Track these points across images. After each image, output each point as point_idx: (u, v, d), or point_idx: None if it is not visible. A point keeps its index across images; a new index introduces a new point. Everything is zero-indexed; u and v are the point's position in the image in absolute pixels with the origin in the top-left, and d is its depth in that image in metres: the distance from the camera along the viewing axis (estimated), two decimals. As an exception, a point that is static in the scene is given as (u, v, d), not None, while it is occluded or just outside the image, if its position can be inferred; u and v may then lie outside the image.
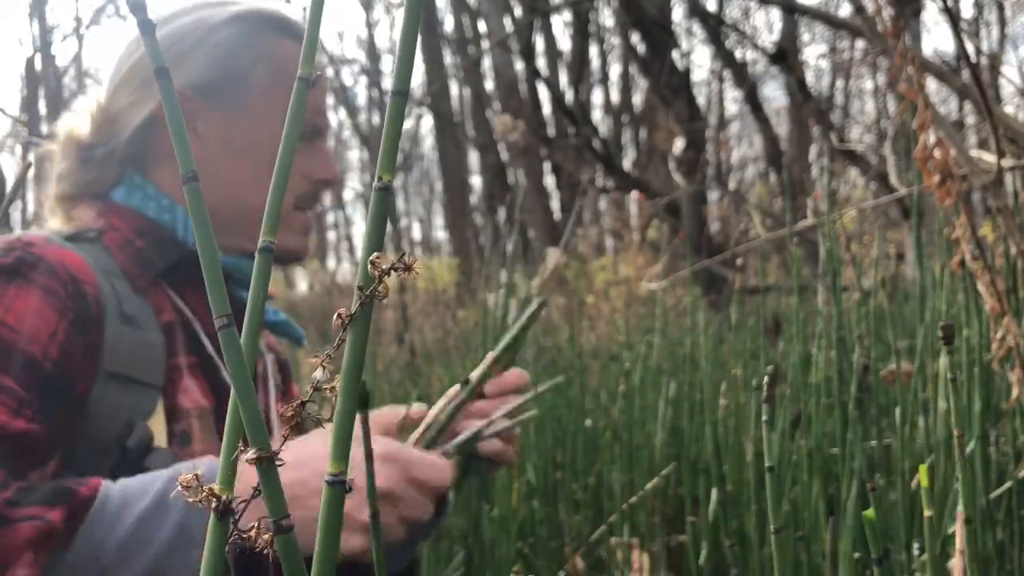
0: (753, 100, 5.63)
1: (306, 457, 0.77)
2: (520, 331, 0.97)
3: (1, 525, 0.69)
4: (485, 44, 10.33)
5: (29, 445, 0.78)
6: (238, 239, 0.98)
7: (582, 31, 10.58)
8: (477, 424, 0.91)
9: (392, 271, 0.29)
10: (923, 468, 0.59)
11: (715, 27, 5.55)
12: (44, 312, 0.82)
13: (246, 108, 0.97)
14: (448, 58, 11.79)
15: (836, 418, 1.13)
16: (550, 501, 1.72)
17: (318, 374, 0.29)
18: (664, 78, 5.24)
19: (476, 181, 13.20)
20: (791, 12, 6.07)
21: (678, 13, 9.25)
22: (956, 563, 0.57)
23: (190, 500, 0.29)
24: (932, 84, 2.43)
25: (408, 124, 13.81)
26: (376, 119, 14.53)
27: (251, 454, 0.28)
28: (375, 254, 0.29)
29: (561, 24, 17.91)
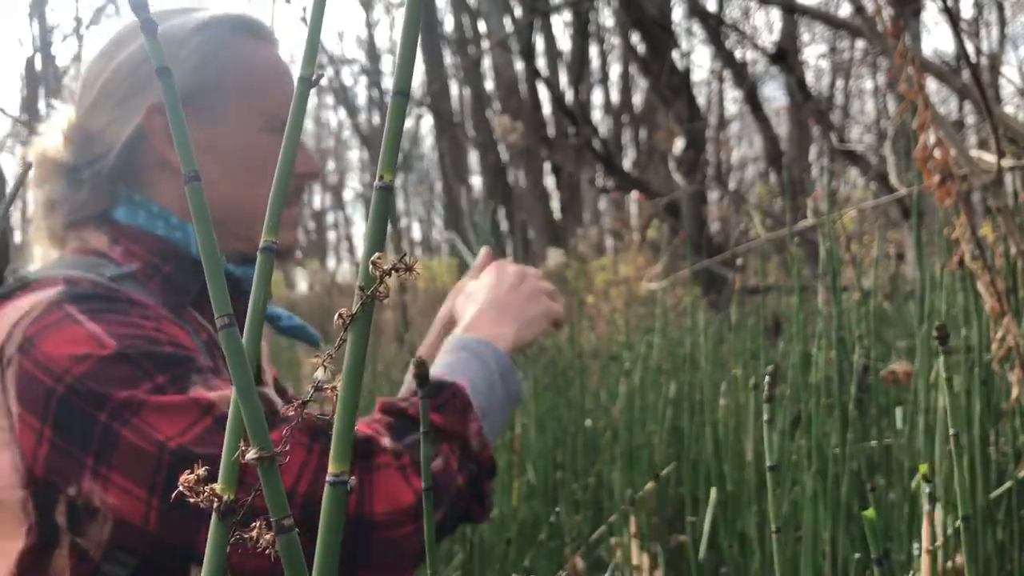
0: (753, 100, 5.63)
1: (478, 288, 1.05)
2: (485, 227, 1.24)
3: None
4: (485, 44, 10.33)
5: None
6: (234, 243, 0.98)
7: (582, 31, 10.58)
8: None
9: (393, 271, 0.29)
10: (923, 468, 0.59)
11: (715, 27, 5.55)
12: (182, 334, 0.86)
13: (224, 115, 0.97)
14: (448, 58, 11.79)
15: (836, 418, 1.13)
16: (550, 501, 1.72)
17: (319, 374, 0.29)
18: (664, 78, 5.24)
19: (476, 181, 13.20)
20: (791, 12, 6.07)
21: (678, 13, 9.25)
22: (924, 560, 0.57)
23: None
24: (932, 84, 2.43)
25: (408, 124, 13.82)
26: (376, 119, 14.52)
27: (252, 454, 0.28)
28: (376, 254, 0.29)
29: (561, 24, 17.92)
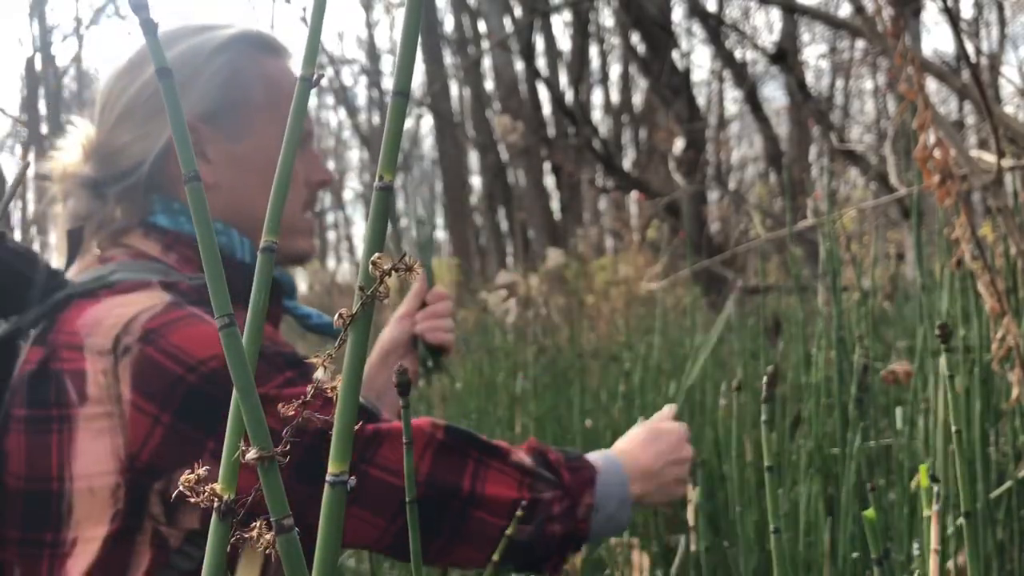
0: (753, 100, 5.63)
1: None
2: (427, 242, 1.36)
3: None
4: (485, 44, 10.33)
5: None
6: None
7: (582, 31, 10.58)
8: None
9: (393, 271, 0.29)
10: (923, 468, 0.59)
11: (715, 27, 5.55)
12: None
13: (251, 129, 1.01)
14: (448, 58, 11.79)
15: (836, 418, 1.13)
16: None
17: (320, 374, 0.29)
18: (664, 78, 5.24)
19: (476, 181, 13.20)
20: (791, 12, 6.07)
21: (678, 13, 9.25)
22: (932, 560, 0.57)
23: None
24: (932, 84, 2.43)
25: (408, 124, 13.81)
26: (376, 119, 14.52)
27: (253, 454, 0.28)
28: (376, 254, 0.29)
29: (561, 24, 17.91)
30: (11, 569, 0.86)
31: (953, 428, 0.60)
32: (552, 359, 2.33)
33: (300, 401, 0.30)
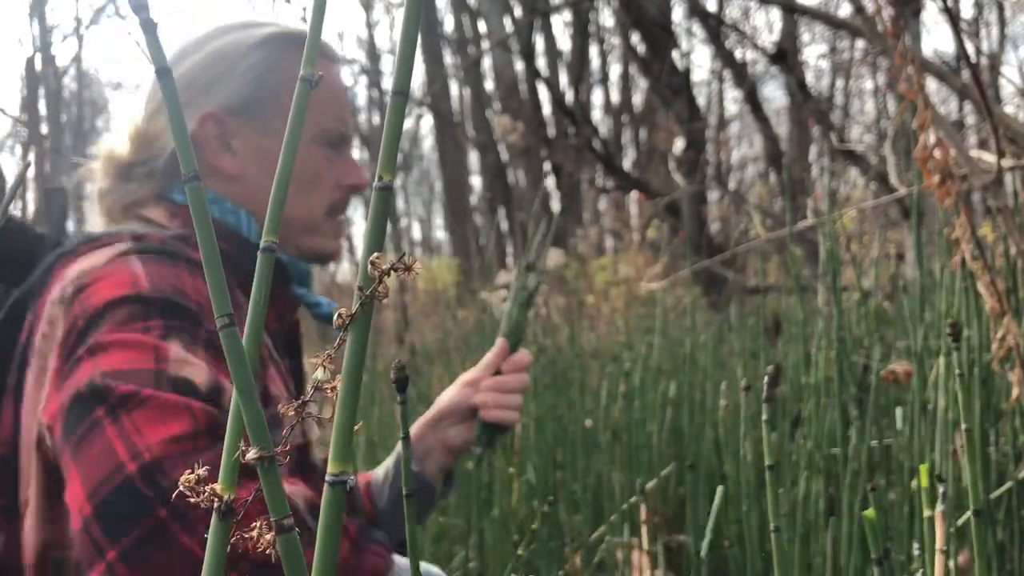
0: (753, 100, 5.63)
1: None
2: (520, 308, 1.16)
3: (357, 552, 0.82)
4: (485, 44, 10.33)
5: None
6: (282, 245, 1.03)
7: (582, 31, 10.58)
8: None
9: (392, 271, 0.29)
10: (923, 468, 0.59)
11: (715, 27, 5.55)
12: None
13: (278, 126, 1.02)
14: (448, 58, 11.79)
15: (836, 418, 1.13)
16: (550, 501, 1.72)
17: (319, 374, 0.29)
18: (664, 78, 5.24)
19: (476, 181, 13.20)
20: (791, 12, 6.07)
21: (678, 13, 9.24)
22: (938, 560, 0.57)
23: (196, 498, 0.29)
24: (932, 84, 2.43)
25: (408, 124, 13.81)
26: (376, 119, 14.52)
27: (252, 453, 0.28)
28: (375, 254, 0.29)
29: (561, 24, 17.91)
30: None
31: (963, 426, 0.60)
32: (552, 359, 2.33)
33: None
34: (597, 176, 8.70)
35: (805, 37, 9.35)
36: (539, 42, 10.87)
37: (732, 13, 8.39)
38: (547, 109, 10.31)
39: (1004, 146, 1.27)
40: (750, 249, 3.90)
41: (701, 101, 8.92)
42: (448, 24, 12.00)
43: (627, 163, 11.04)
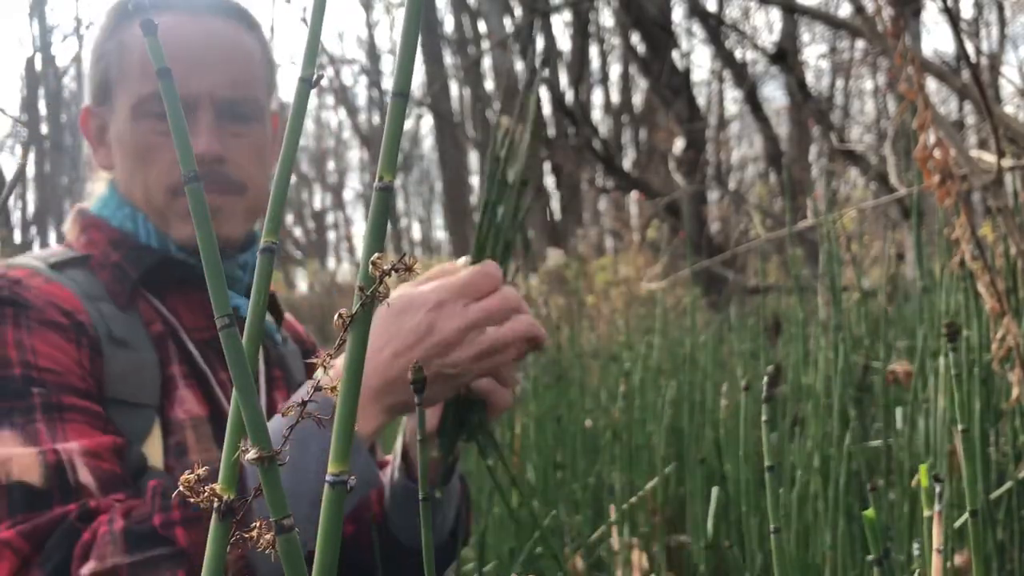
0: (753, 100, 5.63)
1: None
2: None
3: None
4: (485, 44, 10.33)
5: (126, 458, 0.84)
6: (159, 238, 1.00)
7: (582, 31, 10.58)
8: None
9: (393, 271, 0.29)
10: (923, 468, 0.59)
11: (715, 27, 5.55)
12: (63, 346, 0.85)
13: (113, 106, 0.97)
14: (448, 58, 11.79)
15: (836, 418, 1.13)
16: (550, 501, 1.72)
17: (319, 374, 0.29)
18: (664, 78, 5.24)
19: (476, 181, 13.19)
20: (791, 12, 6.07)
21: (678, 13, 9.25)
22: (935, 561, 0.57)
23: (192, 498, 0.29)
24: (932, 84, 2.43)
25: (408, 124, 13.80)
26: (376, 119, 14.52)
27: (252, 454, 0.28)
28: (376, 254, 0.29)
29: (561, 24, 17.90)
30: None
31: (960, 427, 0.60)
32: (552, 359, 2.33)
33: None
34: (597, 176, 8.70)
35: (805, 37, 9.36)
36: (539, 42, 10.87)
37: (732, 13, 8.40)
38: (547, 109, 10.32)
39: (1004, 146, 1.27)
40: (750, 249, 3.89)
41: (701, 101, 8.92)
42: (448, 24, 12.01)
43: (627, 163, 11.04)
